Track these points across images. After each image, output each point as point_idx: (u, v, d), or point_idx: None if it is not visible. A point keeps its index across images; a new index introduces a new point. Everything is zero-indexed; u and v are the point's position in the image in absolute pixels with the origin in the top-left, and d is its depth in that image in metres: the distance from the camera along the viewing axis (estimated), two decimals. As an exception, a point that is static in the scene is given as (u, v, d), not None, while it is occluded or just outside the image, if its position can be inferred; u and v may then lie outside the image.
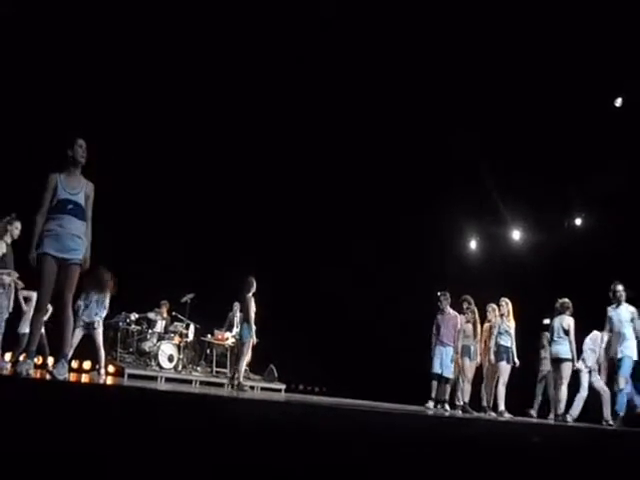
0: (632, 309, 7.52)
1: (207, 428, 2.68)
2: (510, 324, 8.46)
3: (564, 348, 7.96)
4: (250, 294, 8.77)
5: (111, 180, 10.77)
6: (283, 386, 11.50)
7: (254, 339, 8.80)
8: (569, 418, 7.88)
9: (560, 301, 8.19)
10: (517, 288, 9.96)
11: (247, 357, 8.99)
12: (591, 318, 8.62)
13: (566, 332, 7.98)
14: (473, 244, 13.01)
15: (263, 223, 11.69)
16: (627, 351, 7.28)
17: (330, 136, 11.09)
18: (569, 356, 7.94)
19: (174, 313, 11.30)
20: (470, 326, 8.67)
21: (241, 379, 8.94)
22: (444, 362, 8.40)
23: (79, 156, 4.70)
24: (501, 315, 8.54)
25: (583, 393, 8.19)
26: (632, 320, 7.43)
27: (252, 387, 10.05)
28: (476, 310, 8.77)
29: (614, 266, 9.37)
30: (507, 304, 8.55)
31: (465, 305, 8.71)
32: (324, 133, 11.04)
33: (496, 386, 8.47)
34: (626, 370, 7.23)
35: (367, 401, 8.69)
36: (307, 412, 4.28)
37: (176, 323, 11.21)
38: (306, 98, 10.47)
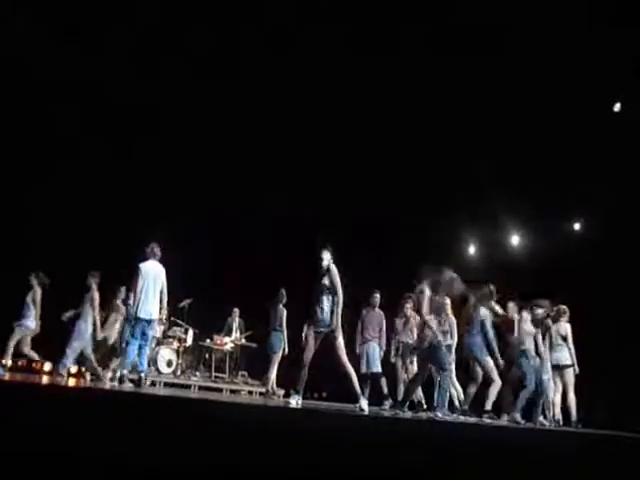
0: None
1: (205, 432, 2.68)
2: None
3: (563, 355, 7.99)
4: (281, 305, 9.45)
5: (111, 187, 10.88)
6: (281, 392, 11.45)
7: (286, 349, 9.43)
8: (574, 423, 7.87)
9: (556, 308, 8.18)
10: (516, 293, 9.93)
11: (276, 366, 9.62)
12: (591, 321, 8.63)
13: (564, 338, 8.01)
14: (472, 249, 12.99)
15: (260, 228, 11.68)
16: None
17: (332, 139, 11.12)
18: (569, 362, 7.98)
19: (172, 318, 11.26)
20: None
21: (269, 387, 9.62)
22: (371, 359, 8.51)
23: None
24: None
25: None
26: None
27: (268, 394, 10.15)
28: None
29: (613, 270, 9.38)
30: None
31: None
32: (325, 135, 11.07)
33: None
34: None
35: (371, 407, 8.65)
36: (305, 416, 4.28)
37: (175, 328, 11.17)
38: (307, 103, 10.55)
